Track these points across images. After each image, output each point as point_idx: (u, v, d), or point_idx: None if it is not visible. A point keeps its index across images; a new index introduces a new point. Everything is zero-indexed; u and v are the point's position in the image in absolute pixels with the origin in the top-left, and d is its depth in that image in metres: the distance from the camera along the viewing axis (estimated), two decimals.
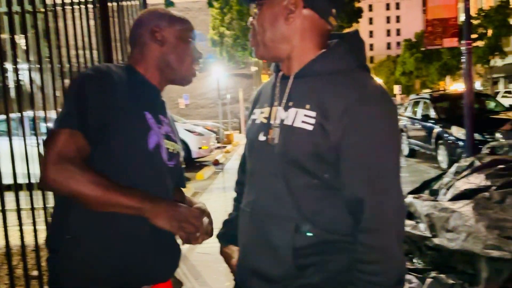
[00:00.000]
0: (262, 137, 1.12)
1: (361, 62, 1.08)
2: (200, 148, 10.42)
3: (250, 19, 1.17)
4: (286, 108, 1.08)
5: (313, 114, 1.02)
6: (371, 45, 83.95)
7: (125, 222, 1.12)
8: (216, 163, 10.72)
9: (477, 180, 3.36)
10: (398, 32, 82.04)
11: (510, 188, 3.11)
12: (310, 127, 1.01)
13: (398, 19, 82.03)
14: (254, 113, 1.22)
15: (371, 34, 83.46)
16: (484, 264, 2.56)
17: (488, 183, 3.27)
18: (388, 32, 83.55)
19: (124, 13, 3.29)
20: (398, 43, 78.17)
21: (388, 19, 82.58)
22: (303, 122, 1.03)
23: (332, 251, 1.05)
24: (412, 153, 10.00)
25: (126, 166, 1.16)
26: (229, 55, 21.73)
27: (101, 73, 1.19)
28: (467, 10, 5.84)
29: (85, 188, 1.05)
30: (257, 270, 1.12)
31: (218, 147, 14.07)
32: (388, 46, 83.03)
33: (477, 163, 3.71)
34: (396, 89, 45.95)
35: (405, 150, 10.21)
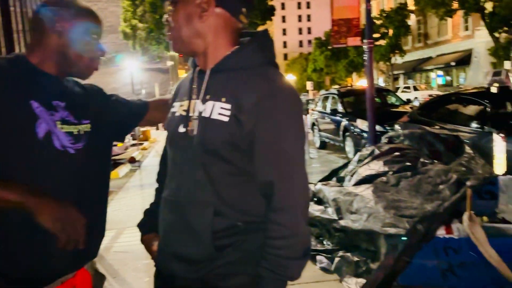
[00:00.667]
0: (182, 129, 1.18)
1: (270, 59, 1.19)
2: (114, 145, 10.03)
3: (165, 15, 1.21)
4: (204, 101, 1.15)
5: (228, 106, 1.11)
6: (285, 43, 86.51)
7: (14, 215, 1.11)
8: (132, 160, 10.41)
9: (377, 166, 3.71)
10: (309, 30, 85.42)
11: (404, 173, 3.49)
12: (226, 119, 1.10)
13: (309, 17, 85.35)
14: (173, 106, 1.27)
15: (284, 32, 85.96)
16: (383, 240, 2.86)
17: (386, 168, 3.63)
18: (300, 30, 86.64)
19: (27, 3, 3.10)
20: (310, 41, 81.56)
21: (299, 18, 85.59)
22: (219, 114, 1.11)
23: (248, 231, 1.14)
24: (323, 145, 10.59)
25: (15, 158, 1.14)
26: (142, 49, 21.05)
27: None
28: (368, 12, 6.33)
29: None
30: (178, 253, 1.18)
31: (134, 144, 13.65)
32: (300, 44, 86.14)
33: (377, 151, 4.08)
34: (309, 85, 47.86)
35: (317, 142, 10.79)
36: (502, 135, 3.67)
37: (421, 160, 3.70)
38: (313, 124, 11.12)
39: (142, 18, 20.20)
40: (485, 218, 2.76)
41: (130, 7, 19.77)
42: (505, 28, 23.31)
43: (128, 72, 22.47)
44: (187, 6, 1.14)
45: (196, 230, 1.14)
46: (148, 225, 1.35)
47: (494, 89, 3.58)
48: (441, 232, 2.69)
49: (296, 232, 1.11)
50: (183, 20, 1.15)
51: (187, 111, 1.19)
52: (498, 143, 3.69)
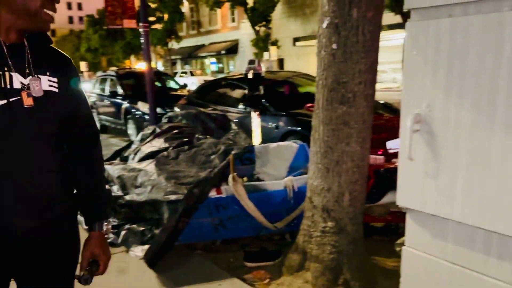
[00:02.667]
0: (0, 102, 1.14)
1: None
2: None
3: None
4: (27, 74, 1.19)
5: (55, 79, 1.23)
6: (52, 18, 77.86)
7: None
8: None
9: (158, 143, 4.02)
10: (79, 6, 79.10)
11: (182, 147, 3.90)
12: (56, 90, 1.23)
13: None
14: None
15: None
16: (165, 207, 3.20)
17: (167, 145, 3.98)
18: (69, 5, 79.38)
19: None
20: (81, 18, 75.60)
21: None
22: (50, 86, 1.22)
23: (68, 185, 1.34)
24: (104, 129, 10.32)
25: None
26: None
27: None
28: None
29: None
30: (11, 226, 1.19)
31: None
32: (71, 20, 79.08)
33: (158, 130, 4.40)
34: (83, 65, 44.66)
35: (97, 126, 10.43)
36: (258, 112, 4.49)
37: (197, 136, 4.19)
38: (91, 107, 10.65)
39: None
40: (245, 179, 3.40)
41: None
42: (263, 23, 26.97)
43: None
44: None
45: (34, 199, 1.22)
46: None
47: (250, 75, 4.32)
48: (212, 194, 3.19)
49: (103, 175, 1.53)
50: None
51: (1, 84, 1.15)
52: (255, 119, 4.49)
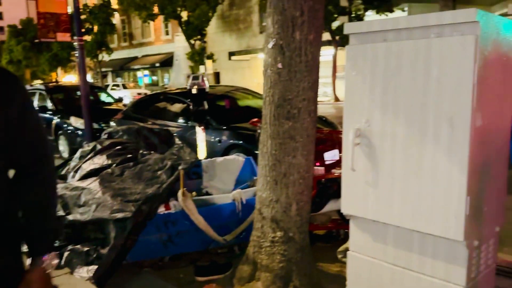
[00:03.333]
0: None
1: None
2: None
3: None
4: None
5: None
6: None
7: None
8: None
9: (100, 160, 3.92)
10: (0, 15, 74.10)
11: (127, 164, 3.83)
12: None
13: None
14: None
15: None
16: (112, 226, 3.13)
17: (110, 161, 3.88)
18: None
19: None
20: (1, 28, 70.69)
21: None
22: None
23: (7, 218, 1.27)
24: None
25: None
26: None
27: None
28: (76, 9, 6.31)
29: None
30: None
31: None
32: None
33: (99, 147, 4.28)
34: None
35: None
36: (202, 127, 4.54)
37: (141, 151, 4.14)
38: None
39: None
40: (194, 193, 3.43)
41: None
42: (198, 37, 27.01)
43: None
44: None
45: None
46: None
47: (194, 90, 4.37)
48: (161, 210, 3.19)
49: (54, 200, 1.41)
50: None
51: None
52: (199, 133, 4.54)
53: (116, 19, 33.83)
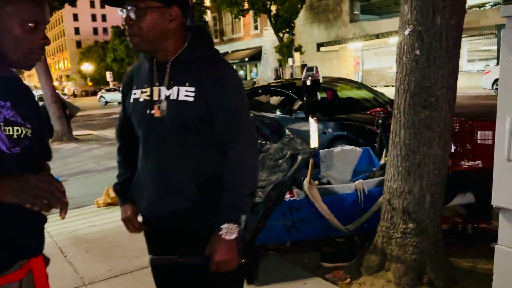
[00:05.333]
0: (149, 111, 1.41)
1: (214, 49, 1.48)
2: None
3: (122, 16, 1.38)
4: (169, 87, 1.40)
5: (192, 89, 1.39)
6: (77, 29, 79.88)
7: None
8: None
9: None
10: (104, 17, 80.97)
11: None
12: (192, 99, 1.38)
13: (103, 4, 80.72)
14: (134, 93, 1.48)
15: (75, 17, 79.18)
16: None
17: None
18: (94, 17, 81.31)
19: None
20: (105, 29, 77.25)
21: (92, 4, 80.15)
22: (185, 95, 1.38)
23: (216, 181, 1.45)
24: None
25: None
26: None
27: None
28: None
29: None
30: (168, 210, 1.44)
31: None
32: (95, 31, 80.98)
33: None
34: (108, 75, 45.73)
35: None
36: (315, 118, 4.59)
37: (259, 141, 4.31)
38: None
39: None
40: (316, 182, 3.50)
41: None
42: (287, 29, 27.14)
43: None
44: (157, 14, 1.35)
45: (182, 188, 1.44)
46: (125, 194, 1.57)
47: (308, 82, 4.43)
48: (286, 196, 3.30)
49: (246, 177, 1.46)
50: (152, 26, 1.35)
51: (151, 96, 1.40)
52: (312, 124, 4.60)
53: (208, 16, 35.21)
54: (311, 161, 3.25)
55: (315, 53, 29.17)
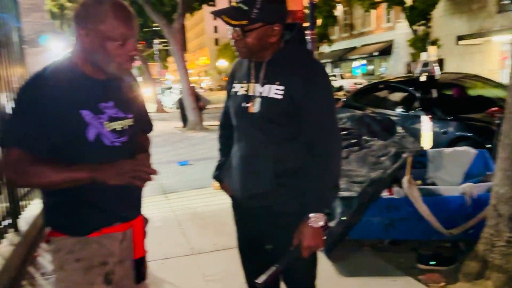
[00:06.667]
0: (244, 104, 1.63)
1: (307, 49, 1.66)
2: None
3: (229, 32, 1.59)
4: (262, 84, 1.59)
5: (282, 87, 1.55)
6: (216, 28, 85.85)
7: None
8: None
9: None
10: None
11: (352, 148, 4.06)
12: (280, 96, 1.55)
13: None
14: (234, 86, 1.71)
15: (215, 16, 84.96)
16: (338, 202, 3.40)
17: None
18: None
19: None
20: None
21: (230, 2, 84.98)
22: (275, 93, 1.56)
23: (295, 174, 1.61)
24: None
25: (72, 158, 1.36)
26: (71, 30, 20.03)
27: (35, 85, 1.33)
28: (312, 5, 6.86)
29: (43, 180, 1.33)
30: (251, 191, 1.67)
31: None
32: None
33: None
34: None
35: None
36: (429, 116, 4.39)
37: (363, 137, 4.31)
38: None
39: None
40: (418, 182, 3.40)
41: None
42: (423, 22, 25.41)
43: (54, 54, 21.32)
44: (261, 31, 1.52)
45: (263, 174, 1.63)
46: (221, 176, 1.86)
47: (423, 78, 4.25)
48: (385, 194, 3.28)
49: (331, 171, 1.60)
50: (257, 42, 1.54)
51: (247, 91, 1.63)
52: (426, 123, 4.40)
53: (339, 10, 34.78)
54: (409, 159, 3.18)
55: (453, 47, 26.72)
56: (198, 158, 8.05)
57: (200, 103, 13.27)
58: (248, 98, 1.62)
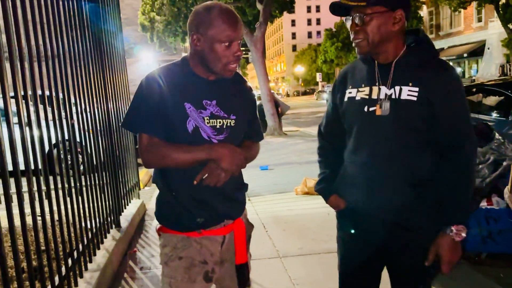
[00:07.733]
0: (367, 109, 1.50)
1: (436, 52, 1.53)
2: None
3: (348, 23, 1.52)
4: (391, 86, 1.47)
5: (416, 89, 1.44)
6: (294, 34, 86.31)
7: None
8: None
9: None
10: (318, 21, 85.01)
11: None
12: (415, 98, 1.44)
13: (318, 8, 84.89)
14: (350, 92, 1.59)
15: (293, 23, 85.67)
16: None
17: None
18: (309, 21, 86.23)
19: None
20: (319, 32, 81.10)
21: (308, 9, 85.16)
22: (408, 95, 1.44)
23: (429, 185, 1.51)
24: None
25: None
26: (160, 41, 21.38)
27: (153, 79, 1.48)
28: None
29: (170, 161, 1.45)
30: (379, 204, 1.53)
31: None
32: (309, 35, 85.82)
33: None
34: (318, 76, 48.06)
35: None
36: None
37: None
38: None
39: (160, 10, 20.53)
40: None
41: (149, 0, 20.11)
42: None
43: (144, 64, 22.88)
44: (382, 18, 1.44)
45: (395, 186, 1.50)
46: (329, 190, 1.73)
47: None
48: (483, 204, 3.08)
49: (472, 180, 1.50)
50: (377, 30, 1.44)
51: (370, 95, 1.51)
52: None
53: (423, 11, 33.18)
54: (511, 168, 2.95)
55: None
56: (278, 163, 8.15)
57: (279, 108, 13.43)
58: (372, 101, 1.50)
